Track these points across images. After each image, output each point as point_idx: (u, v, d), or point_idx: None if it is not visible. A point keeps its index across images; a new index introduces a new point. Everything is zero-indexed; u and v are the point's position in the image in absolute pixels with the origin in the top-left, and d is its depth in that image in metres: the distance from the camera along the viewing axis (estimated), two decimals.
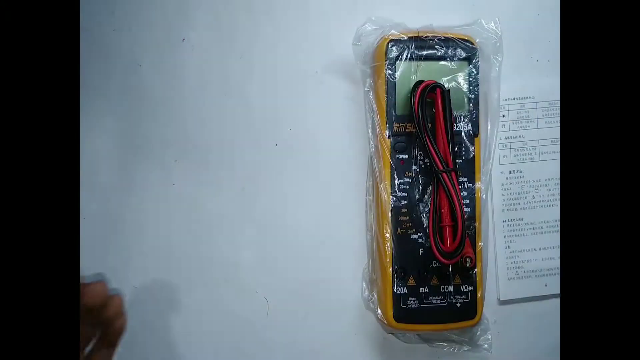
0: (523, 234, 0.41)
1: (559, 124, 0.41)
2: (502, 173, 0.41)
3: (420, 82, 0.36)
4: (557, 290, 0.41)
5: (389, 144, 0.37)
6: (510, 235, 0.41)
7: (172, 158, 0.43)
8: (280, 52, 0.42)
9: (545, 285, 0.41)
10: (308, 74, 0.42)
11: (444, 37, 0.38)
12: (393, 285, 0.37)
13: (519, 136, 0.41)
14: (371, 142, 0.38)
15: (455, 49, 0.38)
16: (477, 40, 0.39)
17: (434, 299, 0.38)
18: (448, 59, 0.38)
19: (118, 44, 0.43)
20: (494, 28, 0.39)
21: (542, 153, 0.41)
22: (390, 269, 0.37)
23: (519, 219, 0.41)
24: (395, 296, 0.37)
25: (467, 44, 0.38)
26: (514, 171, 0.41)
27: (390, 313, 0.37)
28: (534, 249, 0.41)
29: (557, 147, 0.41)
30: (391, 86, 0.37)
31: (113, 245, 0.44)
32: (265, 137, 0.42)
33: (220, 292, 0.42)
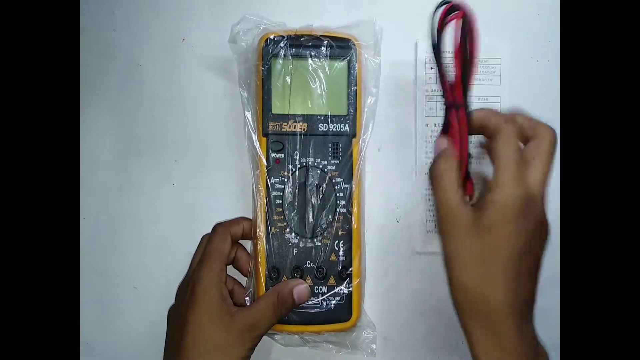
0: None
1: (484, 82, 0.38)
2: (426, 125, 0.40)
3: (444, 2, 0.31)
4: None
5: (264, 143, 0.37)
6: (431, 189, 0.40)
7: (172, 158, 0.43)
8: None
9: None
10: None
11: (322, 36, 0.37)
12: (266, 285, 0.36)
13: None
14: (247, 141, 0.37)
15: (333, 49, 0.37)
16: (359, 42, 0.37)
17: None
18: (326, 58, 0.37)
19: (118, 44, 0.43)
20: (375, 29, 0.38)
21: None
22: (263, 269, 0.36)
23: None
24: None
25: (346, 43, 0.37)
26: (439, 125, 0.40)
27: None
28: None
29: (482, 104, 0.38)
30: (267, 85, 0.36)
31: (113, 245, 0.44)
32: None
33: None
